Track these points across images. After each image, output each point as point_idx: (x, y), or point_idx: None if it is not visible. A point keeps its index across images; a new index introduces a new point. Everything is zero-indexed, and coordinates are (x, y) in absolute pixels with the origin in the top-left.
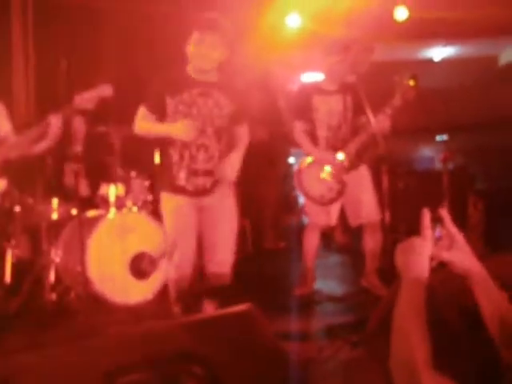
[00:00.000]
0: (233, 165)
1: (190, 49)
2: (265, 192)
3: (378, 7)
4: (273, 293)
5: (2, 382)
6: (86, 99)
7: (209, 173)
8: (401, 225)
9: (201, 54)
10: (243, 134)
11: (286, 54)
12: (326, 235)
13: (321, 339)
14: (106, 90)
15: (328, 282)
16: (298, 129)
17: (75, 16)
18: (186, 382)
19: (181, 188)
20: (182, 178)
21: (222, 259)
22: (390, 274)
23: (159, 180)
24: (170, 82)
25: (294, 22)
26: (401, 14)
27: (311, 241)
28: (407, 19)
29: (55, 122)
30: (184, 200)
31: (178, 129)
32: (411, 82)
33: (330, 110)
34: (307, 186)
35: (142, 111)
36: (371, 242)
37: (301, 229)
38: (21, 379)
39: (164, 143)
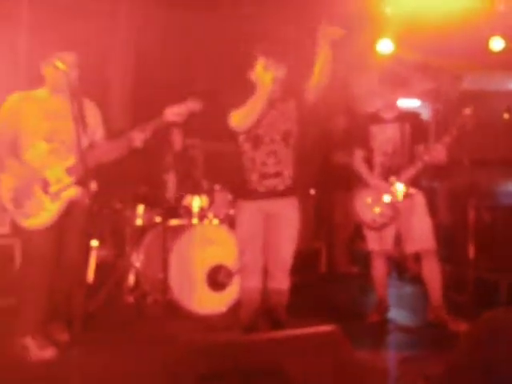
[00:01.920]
0: None
1: (256, 73)
2: (341, 215)
3: (471, 36)
4: (344, 317)
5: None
6: (176, 113)
7: (279, 174)
8: (485, 261)
9: (263, 77)
10: None
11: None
12: (399, 264)
13: (392, 370)
14: (194, 105)
15: (401, 312)
16: (357, 156)
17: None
18: None
19: (253, 191)
20: (254, 180)
21: (283, 273)
22: (469, 309)
23: (235, 187)
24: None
25: (385, 47)
26: (497, 44)
27: (378, 268)
28: (503, 50)
29: (137, 136)
30: (255, 206)
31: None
32: (505, 115)
33: (386, 138)
34: (360, 210)
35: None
36: (427, 272)
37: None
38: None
39: (237, 153)
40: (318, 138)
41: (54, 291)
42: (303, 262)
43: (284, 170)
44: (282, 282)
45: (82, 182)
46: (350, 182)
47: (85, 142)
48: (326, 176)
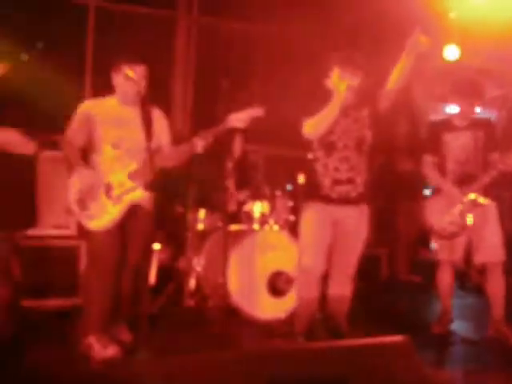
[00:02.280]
0: None
1: (332, 82)
2: (405, 223)
3: None
4: (405, 327)
5: (159, 379)
6: (238, 119)
7: (351, 181)
8: None
9: (338, 86)
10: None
11: (433, 85)
12: (462, 274)
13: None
14: (257, 111)
15: (464, 324)
16: (428, 162)
17: (233, 39)
18: None
19: (325, 197)
20: (326, 186)
21: (346, 280)
22: None
23: (304, 192)
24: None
25: (451, 54)
26: None
27: (444, 279)
28: None
29: (199, 143)
30: (325, 212)
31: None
32: None
33: (459, 146)
34: (430, 218)
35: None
36: (492, 285)
37: (436, 264)
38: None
39: (309, 159)
40: (381, 144)
41: (119, 292)
42: (364, 269)
43: (356, 176)
44: (344, 288)
45: (145, 187)
46: (414, 188)
47: (149, 149)
48: (388, 182)
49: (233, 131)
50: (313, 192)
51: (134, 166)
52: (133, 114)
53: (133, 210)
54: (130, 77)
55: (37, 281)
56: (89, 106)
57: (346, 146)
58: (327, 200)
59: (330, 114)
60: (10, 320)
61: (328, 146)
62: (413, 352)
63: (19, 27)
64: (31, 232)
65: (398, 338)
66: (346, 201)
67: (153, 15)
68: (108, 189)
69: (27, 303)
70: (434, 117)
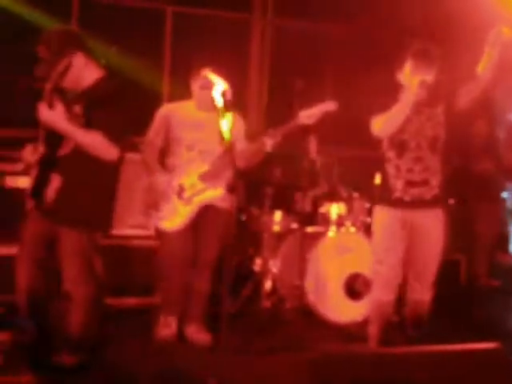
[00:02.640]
0: None
1: (405, 75)
2: (484, 227)
3: None
4: (485, 334)
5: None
6: (309, 115)
7: (426, 182)
8: None
9: (411, 80)
10: None
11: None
12: None
13: None
14: (328, 106)
15: None
16: None
17: (305, 39)
18: None
19: (397, 200)
20: (399, 188)
21: (425, 285)
22: None
23: (376, 196)
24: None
25: None
26: None
27: None
28: None
29: (268, 142)
30: (398, 215)
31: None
32: None
33: None
34: None
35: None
36: None
37: None
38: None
39: (380, 160)
40: (457, 144)
41: (193, 290)
42: (442, 274)
43: (431, 178)
44: (423, 294)
45: (224, 187)
46: (492, 190)
47: (223, 152)
48: (466, 184)
49: (307, 132)
50: (384, 195)
51: (204, 167)
52: (209, 119)
53: (204, 211)
54: (205, 86)
55: (117, 280)
56: (167, 109)
57: (418, 146)
58: (400, 203)
59: (401, 111)
60: (95, 316)
61: (399, 145)
62: (506, 360)
63: (98, 32)
64: (113, 232)
65: (490, 345)
66: (419, 204)
67: (228, 18)
68: (180, 190)
69: (108, 301)
70: None
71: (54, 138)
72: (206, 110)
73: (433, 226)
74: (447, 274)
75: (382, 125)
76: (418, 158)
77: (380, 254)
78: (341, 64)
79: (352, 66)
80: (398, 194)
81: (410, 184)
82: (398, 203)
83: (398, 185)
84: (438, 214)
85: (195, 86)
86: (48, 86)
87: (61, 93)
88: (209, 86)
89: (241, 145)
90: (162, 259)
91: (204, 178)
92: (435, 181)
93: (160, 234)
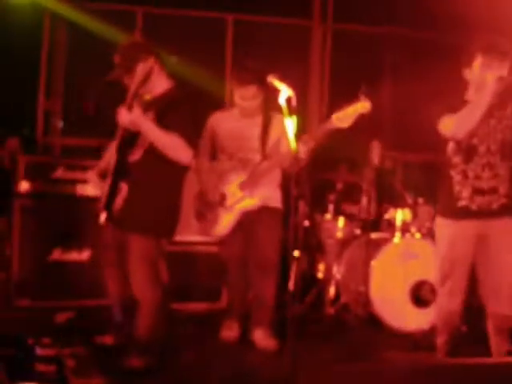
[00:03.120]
0: None
1: (474, 72)
2: None
3: None
4: None
5: None
6: (341, 118)
7: (494, 190)
8: None
9: (484, 77)
10: None
11: None
12: None
13: None
14: (362, 107)
15: None
16: None
17: (363, 45)
18: None
19: (463, 209)
20: (465, 196)
21: (505, 299)
22: None
23: (438, 204)
24: (452, 107)
25: None
26: None
27: None
28: None
29: (301, 149)
30: (464, 225)
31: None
32: None
33: None
34: None
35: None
36: None
37: None
38: None
39: (444, 165)
40: None
41: (258, 295)
42: None
43: (499, 185)
44: (501, 307)
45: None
46: None
47: (263, 158)
48: None
49: (371, 139)
50: (448, 203)
51: (243, 176)
52: (251, 125)
53: (247, 217)
54: (244, 96)
55: (183, 285)
56: (214, 118)
57: (488, 151)
58: (466, 213)
59: (477, 110)
60: (161, 321)
61: (468, 150)
62: None
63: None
64: (177, 238)
65: None
66: (487, 213)
67: (288, 25)
68: (222, 199)
69: (175, 306)
70: None
71: (127, 145)
72: (249, 116)
73: (501, 236)
74: None
75: (455, 126)
76: (487, 163)
77: (446, 268)
78: (401, 67)
79: (413, 69)
80: (463, 203)
81: (477, 192)
82: (463, 213)
83: (464, 192)
84: (506, 223)
85: (237, 96)
86: (131, 91)
87: (138, 99)
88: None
89: (284, 146)
90: (223, 263)
91: (243, 186)
92: (503, 188)
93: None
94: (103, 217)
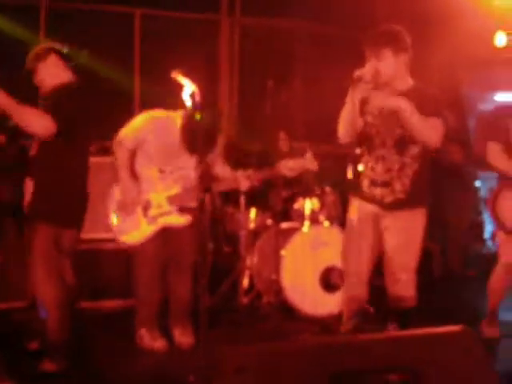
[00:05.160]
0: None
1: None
2: (456, 216)
3: None
4: (456, 322)
5: (234, 369)
6: (290, 168)
7: (387, 184)
8: None
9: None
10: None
11: (481, 73)
12: None
13: None
14: (310, 164)
15: None
16: (494, 149)
17: (272, 39)
18: None
19: (364, 194)
20: (364, 186)
21: (406, 281)
22: None
23: (351, 188)
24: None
25: (499, 41)
26: None
27: (501, 282)
28: None
29: (244, 183)
30: (367, 207)
31: None
32: None
33: None
34: (503, 214)
35: None
36: None
37: (488, 258)
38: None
39: (355, 157)
40: None
41: (177, 295)
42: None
43: (394, 180)
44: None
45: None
46: (464, 180)
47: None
48: (437, 174)
49: (277, 129)
50: (356, 189)
51: (175, 190)
52: None
53: (168, 231)
54: None
55: (92, 283)
56: (149, 124)
57: (383, 144)
58: (365, 198)
59: (343, 113)
60: (66, 321)
61: (366, 142)
62: (473, 341)
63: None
64: (86, 235)
65: (456, 328)
66: (380, 205)
67: (196, 19)
68: (146, 206)
69: (85, 305)
70: (484, 106)
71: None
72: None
73: (404, 225)
74: (421, 263)
75: (339, 130)
76: (381, 157)
77: (346, 246)
78: (310, 61)
79: (321, 63)
80: (364, 190)
81: (373, 183)
82: (364, 198)
83: (364, 182)
84: (397, 217)
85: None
86: None
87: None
88: None
89: (219, 169)
90: (137, 272)
91: (172, 200)
92: (400, 185)
93: (130, 248)
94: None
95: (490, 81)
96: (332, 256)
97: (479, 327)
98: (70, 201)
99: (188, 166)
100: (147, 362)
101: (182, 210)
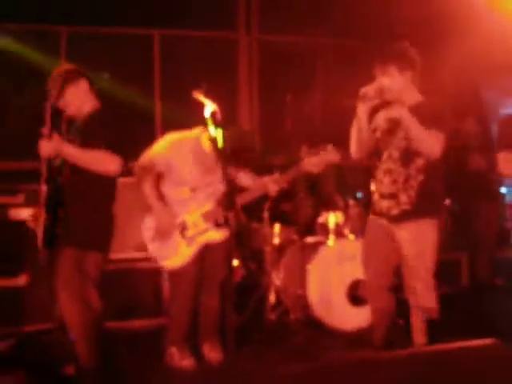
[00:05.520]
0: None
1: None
2: (483, 225)
3: None
4: (486, 332)
5: None
6: (313, 164)
7: (393, 196)
8: None
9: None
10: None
11: (501, 77)
12: None
13: None
14: (333, 157)
15: None
16: (510, 158)
17: (290, 55)
18: None
19: (375, 207)
20: (375, 198)
21: (422, 291)
22: None
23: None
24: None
25: None
26: None
27: None
28: None
29: (272, 188)
30: (377, 221)
31: None
32: None
33: None
34: None
35: None
36: None
37: None
38: None
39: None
40: (452, 145)
41: (208, 311)
42: (444, 274)
43: (399, 192)
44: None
45: (226, 208)
46: (490, 188)
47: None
48: (461, 183)
49: (301, 144)
50: (372, 204)
51: (207, 206)
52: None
53: (206, 249)
54: None
55: (123, 303)
56: (173, 143)
57: (390, 157)
58: (375, 213)
59: (354, 130)
60: (93, 345)
61: (376, 155)
62: (504, 354)
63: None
64: (116, 255)
65: (486, 341)
66: (388, 217)
67: (215, 38)
68: (183, 228)
69: (115, 325)
70: (506, 111)
71: (56, 173)
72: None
73: (413, 237)
74: (449, 273)
75: (351, 146)
76: (387, 169)
77: (363, 261)
78: (330, 75)
79: (340, 78)
80: (374, 203)
81: (381, 195)
82: (375, 212)
83: (375, 194)
84: (405, 228)
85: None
86: (46, 121)
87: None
88: None
89: (244, 179)
90: (175, 293)
91: (207, 217)
92: (405, 197)
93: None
94: (42, 255)
95: (508, 86)
96: (358, 269)
97: None
98: (95, 224)
99: (216, 180)
100: (176, 381)
101: (218, 225)
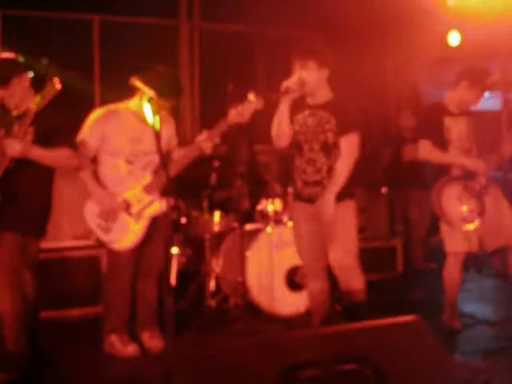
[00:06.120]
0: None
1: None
2: (416, 213)
3: None
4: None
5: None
6: (239, 113)
7: (318, 183)
8: None
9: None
10: (346, 146)
11: (436, 72)
12: (478, 258)
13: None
14: (257, 104)
15: (482, 307)
16: (428, 145)
17: (232, 44)
18: (356, 381)
19: (299, 194)
20: (298, 186)
21: (352, 270)
22: None
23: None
24: (294, 106)
25: (454, 40)
26: None
27: (452, 273)
28: None
29: (206, 145)
30: (303, 206)
31: None
32: None
33: (459, 132)
34: (446, 206)
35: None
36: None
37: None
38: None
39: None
40: (385, 135)
41: (146, 299)
42: (380, 261)
43: (324, 179)
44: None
45: (163, 195)
46: (423, 177)
47: (161, 158)
48: (397, 173)
49: (239, 134)
50: (294, 191)
51: (147, 179)
52: (146, 127)
53: (153, 223)
54: None
55: (60, 292)
56: (104, 118)
57: (311, 149)
58: (301, 199)
59: (276, 121)
60: (22, 332)
61: (296, 147)
62: (426, 330)
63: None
64: (52, 244)
65: (408, 318)
66: (315, 200)
67: (155, 24)
68: (126, 206)
69: (51, 314)
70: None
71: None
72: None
73: (337, 215)
74: (384, 260)
75: (272, 136)
76: (310, 160)
77: (297, 246)
78: (272, 65)
79: (284, 67)
80: (297, 190)
81: (305, 183)
82: (299, 198)
83: (297, 183)
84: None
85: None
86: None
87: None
88: None
89: (178, 152)
90: (111, 274)
91: (149, 189)
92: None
93: (109, 251)
94: None
95: (445, 79)
96: (296, 255)
97: (441, 319)
98: (38, 210)
99: (151, 150)
100: (118, 368)
101: (162, 195)
